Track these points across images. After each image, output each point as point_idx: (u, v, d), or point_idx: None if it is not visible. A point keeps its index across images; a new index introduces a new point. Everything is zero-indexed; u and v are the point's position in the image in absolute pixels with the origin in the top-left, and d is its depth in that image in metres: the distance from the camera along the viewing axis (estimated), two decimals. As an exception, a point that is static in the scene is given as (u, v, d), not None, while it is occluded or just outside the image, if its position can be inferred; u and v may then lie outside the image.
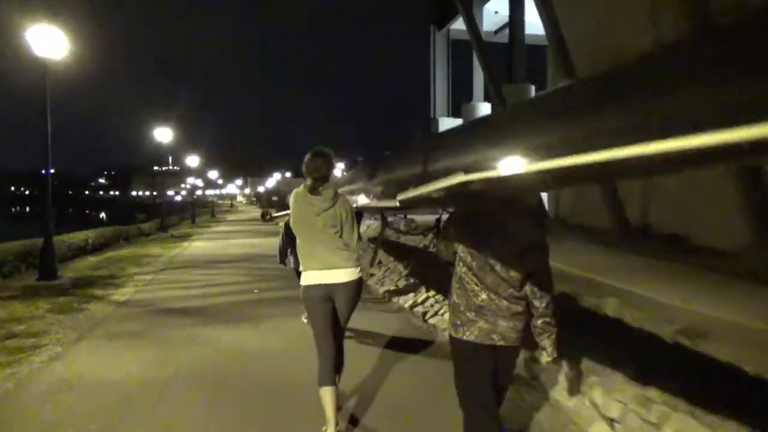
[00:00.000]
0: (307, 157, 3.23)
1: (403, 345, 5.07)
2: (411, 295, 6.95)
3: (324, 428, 3.11)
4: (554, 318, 2.33)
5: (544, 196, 13.17)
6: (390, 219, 11.71)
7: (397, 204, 3.36)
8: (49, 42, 8.35)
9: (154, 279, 9.51)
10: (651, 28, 9.04)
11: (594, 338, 3.99)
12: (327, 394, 3.11)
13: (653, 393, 3.11)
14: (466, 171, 1.99)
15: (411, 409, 3.63)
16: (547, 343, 2.33)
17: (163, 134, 22.62)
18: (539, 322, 2.33)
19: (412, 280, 7.59)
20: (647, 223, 9.87)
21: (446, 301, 4.43)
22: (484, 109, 15.65)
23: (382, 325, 5.80)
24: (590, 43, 10.19)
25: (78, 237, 14.63)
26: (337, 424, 3.11)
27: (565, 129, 1.60)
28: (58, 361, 4.71)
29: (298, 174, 66.41)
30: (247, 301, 7.37)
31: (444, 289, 5.62)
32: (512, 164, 1.70)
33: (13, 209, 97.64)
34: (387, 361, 4.58)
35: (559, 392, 3.69)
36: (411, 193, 2.69)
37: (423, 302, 6.44)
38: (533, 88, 13.04)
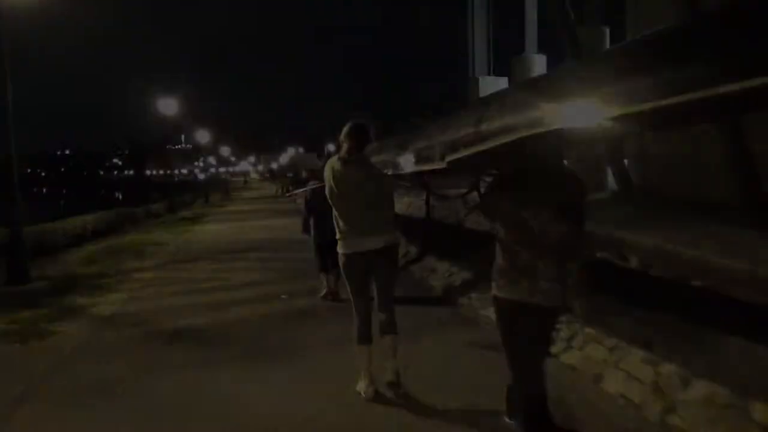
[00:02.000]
0: (346, 128, 3.31)
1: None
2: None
3: (359, 385, 3.17)
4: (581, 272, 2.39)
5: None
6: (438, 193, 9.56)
7: (445, 165, 3.36)
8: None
9: (155, 278, 7.62)
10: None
11: None
12: (363, 352, 3.21)
13: None
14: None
15: None
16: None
17: (168, 106, 20.66)
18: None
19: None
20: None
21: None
22: (539, 62, 13.30)
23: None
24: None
25: (74, 223, 12.89)
26: (372, 382, 3.16)
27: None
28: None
29: (308, 149, 64.32)
30: (275, 315, 5.42)
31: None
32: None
33: (33, 190, 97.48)
34: None
35: None
36: (464, 152, 2.41)
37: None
38: (608, 30, 10.73)
